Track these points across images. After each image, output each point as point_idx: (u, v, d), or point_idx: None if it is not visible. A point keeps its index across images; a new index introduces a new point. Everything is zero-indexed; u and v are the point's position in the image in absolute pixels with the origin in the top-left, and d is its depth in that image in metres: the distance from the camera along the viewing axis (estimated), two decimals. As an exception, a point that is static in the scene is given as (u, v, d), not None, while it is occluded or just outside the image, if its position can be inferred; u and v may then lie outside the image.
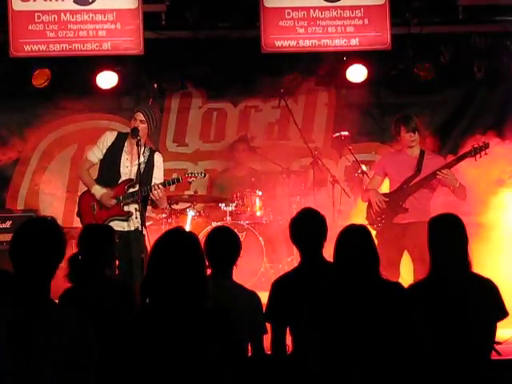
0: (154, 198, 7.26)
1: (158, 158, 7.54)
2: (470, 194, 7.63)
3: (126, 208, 7.34)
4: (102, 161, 7.46)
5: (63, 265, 3.65)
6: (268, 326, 4.95)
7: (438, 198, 7.65)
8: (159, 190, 7.26)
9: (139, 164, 7.23)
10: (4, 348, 3.30)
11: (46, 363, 3.31)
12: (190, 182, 8.01)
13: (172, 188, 10.23)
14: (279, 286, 5.04)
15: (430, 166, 7.48)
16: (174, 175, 8.57)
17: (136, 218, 7.29)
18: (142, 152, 7.31)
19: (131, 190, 7.34)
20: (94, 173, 7.64)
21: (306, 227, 5.07)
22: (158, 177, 7.43)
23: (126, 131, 7.71)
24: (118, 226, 7.26)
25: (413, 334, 4.20)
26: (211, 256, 4.88)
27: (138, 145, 7.20)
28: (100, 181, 7.42)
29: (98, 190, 7.32)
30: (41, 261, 3.43)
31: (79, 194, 7.56)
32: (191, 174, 7.93)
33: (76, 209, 7.59)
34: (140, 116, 7.37)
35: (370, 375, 4.13)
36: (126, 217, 7.32)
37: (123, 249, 7.13)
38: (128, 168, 7.39)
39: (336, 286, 4.32)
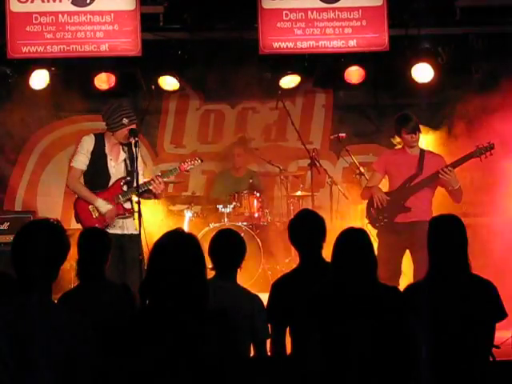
0: (155, 191, 7.26)
1: (135, 148, 7.43)
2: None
3: (126, 205, 7.32)
4: (88, 167, 7.30)
5: (65, 266, 3.63)
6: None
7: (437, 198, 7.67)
8: (159, 183, 7.25)
9: (135, 161, 7.23)
10: (4, 349, 3.30)
11: (45, 364, 3.31)
12: (187, 170, 7.77)
13: (170, 189, 10.25)
14: (279, 287, 5.04)
15: (431, 166, 7.51)
16: (171, 167, 8.46)
17: (133, 219, 7.27)
18: (121, 148, 7.33)
19: (126, 187, 7.32)
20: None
21: (305, 228, 5.07)
22: (140, 167, 7.31)
23: (99, 132, 7.54)
24: (116, 227, 7.25)
25: (407, 338, 4.20)
26: (216, 258, 4.88)
27: (136, 146, 7.22)
28: (90, 186, 7.31)
29: (103, 206, 7.21)
30: (44, 262, 3.43)
31: (76, 197, 7.47)
32: (187, 161, 7.73)
33: (73, 213, 7.53)
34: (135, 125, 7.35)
35: (368, 376, 4.13)
36: (125, 215, 7.29)
37: (119, 252, 7.08)
38: (115, 168, 7.37)
39: (333, 288, 4.32)
